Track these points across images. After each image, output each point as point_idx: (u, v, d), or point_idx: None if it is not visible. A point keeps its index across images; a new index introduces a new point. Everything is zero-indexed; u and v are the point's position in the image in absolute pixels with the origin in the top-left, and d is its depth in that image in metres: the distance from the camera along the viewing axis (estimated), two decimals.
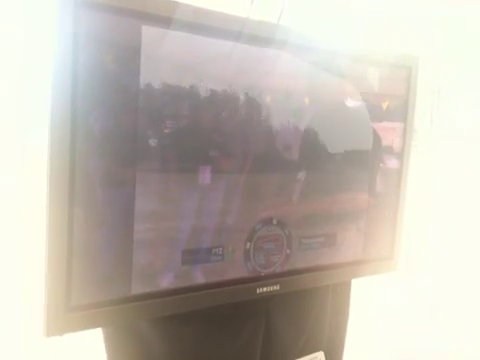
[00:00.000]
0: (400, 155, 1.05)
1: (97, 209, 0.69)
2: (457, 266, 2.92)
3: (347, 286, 1.08)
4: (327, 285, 0.99)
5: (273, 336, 0.92)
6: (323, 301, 1.01)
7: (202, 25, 0.74)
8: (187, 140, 0.75)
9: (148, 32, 0.69)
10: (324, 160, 0.93)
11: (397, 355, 2.27)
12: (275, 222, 0.87)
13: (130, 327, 0.84)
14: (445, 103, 3.14)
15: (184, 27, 0.72)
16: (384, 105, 1.01)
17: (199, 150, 0.77)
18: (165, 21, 0.70)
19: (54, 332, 0.66)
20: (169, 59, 0.73)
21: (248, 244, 0.84)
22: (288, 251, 0.89)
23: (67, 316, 0.67)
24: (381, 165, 1.03)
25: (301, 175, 0.90)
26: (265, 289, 0.86)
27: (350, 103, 0.97)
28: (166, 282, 0.76)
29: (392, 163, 1.05)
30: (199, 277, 0.79)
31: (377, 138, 1.01)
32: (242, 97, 0.80)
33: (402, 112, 1.04)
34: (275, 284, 0.87)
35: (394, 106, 1.02)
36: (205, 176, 0.78)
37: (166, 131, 0.73)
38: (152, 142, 0.72)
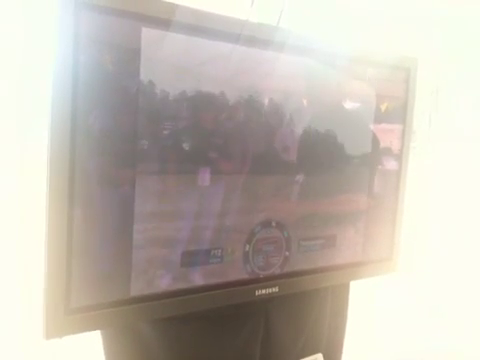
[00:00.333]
0: (399, 156, 1.05)
1: (96, 210, 0.69)
2: (457, 266, 2.92)
3: (346, 287, 1.08)
4: (326, 287, 0.99)
5: (272, 337, 0.92)
6: (322, 302, 1.01)
7: (202, 27, 0.74)
8: (186, 141, 0.75)
9: (148, 34, 0.70)
10: (323, 162, 0.93)
11: (397, 355, 2.27)
12: (274, 224, 0.87)
13: (128, 328, 0.84)
14: (444, 104, 3.13)
15: (184, 29, 0.72)
16: (383, 107, 1.01)
17: (198, 152, 0.77)
18: (165, 23, 0.71)
19: (53, 334, 0.66)
20: (169, 61, 0.73)
21: (247, 246, 0.84)
22: (287, 253, 0.89)
23: (66, 318, 0.67)
24: (380, 167, 1.04)
25: (300, 177, 0.90)
26: (264, 291, 0.86)
27: (349, 105, 0.97)
28: (165, 284, 0.76)
29: (391, 164, 1.05)
30: (198, 279, 0.79)
31: (376, 140, 1.01)
32: (241, 99, 0.80)
33: (401, 114, 1.04)
34: (274, 286, 0.87)
35: (393, 108, 1.03)
36: (204, 178, 0.78)
37: (165, 132, 0.74)
38: (151, 143, 0.72)
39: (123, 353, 0.86)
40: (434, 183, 3.11)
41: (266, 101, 0.84)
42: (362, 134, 1.00)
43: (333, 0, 2.51)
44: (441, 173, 3.08)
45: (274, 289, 0.87)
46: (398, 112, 1.04)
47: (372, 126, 1.00)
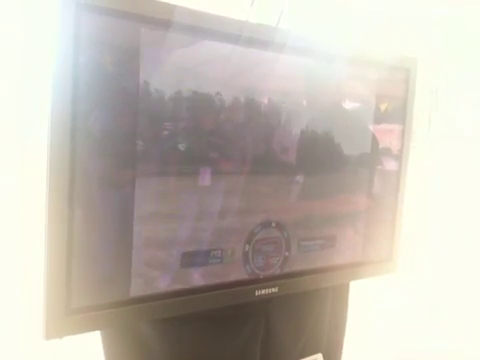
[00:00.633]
0: (399, 157, 1.05)
1: (97, 211, 0.69)
2: (457, 267, 2.92)
3: (346, 288, 1.08)
4: (326, 287, 0.99)
5: (272, 337, 0.92)
6: (322, 303, 1.01)
7: (201, 28, 0.74)
8: (186, 142, 0.76)
9: (147, 35, 0.70)
10: (322, 162, 0.93)
11: (397, 355, 2.27)
12: (274, 224, 0.87)
13: (128, 328, 0.84)
14: (444, 104, 3.13)
15: (183, 30, 0.72)
16: (383, 107, 1.01)
17: (199, 152, 0.77)
18: (164, 24, 0.71)
19: (53, 335, 0.67)
20: (168, 61, 0.73)
21: (247, 246, 0.84)
22: (287, 253, 0.89)
23: (66, 319, 0.67)
24: (380, 167, 1.04)
25: (300, 177, 0.90)
26: (264, 291, 0.86)
27: (348, 105, 0.97)
28: (165, 284, 0.76)
29: (390, 165, 1.05)
30: (198, 279, 0.79)
31: (375, 140, 1.01)
32: (241, 99, 0.81)
33: (401, 114, 1.04)
34: (274, 286, 0.87)
35: (392, 108, 1.03)
36: (205, 178, 0.78)
37: (165, 133, 0.74)
38: (152, 144, 0.72)
39: (123, 354, 0.86)
40: (434, 183, 3.11)
41: (266, 101, 0.84)
42: (362, 134, 1.00)
43: (333, 0, 2.51)
44: (441, 173, 3.08)
45: (274, 289, 0.87)
46: (398, 112, 1.04)
47: (372, 126, 1.00)
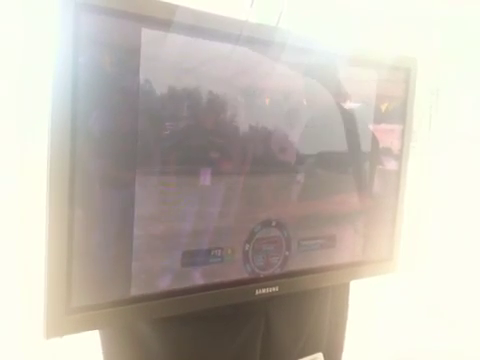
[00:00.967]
0: (399, 156, 1.05)
1: (97, 211, 0.69)
2: (457, 266, 2.92)
3: (346, 287, 1.08)
4: (326, 286, 0.99)
5: (272, 337, 0.92)
6: (323, 302, 1.01)
7: (201, 28, 0.74)
8: (187, 142, 0.76)
9: (148, 35, 0.70)
10: (323, 162, 0.93)
11: (397, 355, 2.27)
12: (274, 224, 0.87)
13: (127, 328, 0.84)
14: (444, 104, 3.13)
15: (183, 30, 0.72)
16: (383, 107, 1.01)
17: (199, 152, 0.77)
18: (164, 24, 0.71)
19: (54, 334, 0.67)
20: (168, 61, 0.73)
21: (247, 246, 0.84)
22: (287, 253, 0.89)
23: (67, 318, 0.67)
24: (380, 166, 1.04)
25: (300, 177, 0.90)
26: (264, 291, 0.86)
27: (349, 105, 0.97)
28: (165, 284, 0.76)
29: (391, 165, 1.05)
30: (198, 279, 0.79)
31: (376, 140, 1.01)
32: (241, 99, 0.81)
33: (401, 114, 1.04)
34: (274, 286, 0.87)
35: (393, 108, 1.03)
36: (205, 178, 0.78)
37: (166, 133, 0.74)
38: (152, 144, 0.72)
39: (122, 353, 0.86)
40: (434, 183, 3.11)
41: (266, 101, 0.84)
42: (362, 134, 1.00)
43: (333, 0, 2.51)
44: (441, 173, 3.09)
45: (274, 289, 0.87)
46: (398, 112, 1.04)
47: (372, 126, 1.00)
